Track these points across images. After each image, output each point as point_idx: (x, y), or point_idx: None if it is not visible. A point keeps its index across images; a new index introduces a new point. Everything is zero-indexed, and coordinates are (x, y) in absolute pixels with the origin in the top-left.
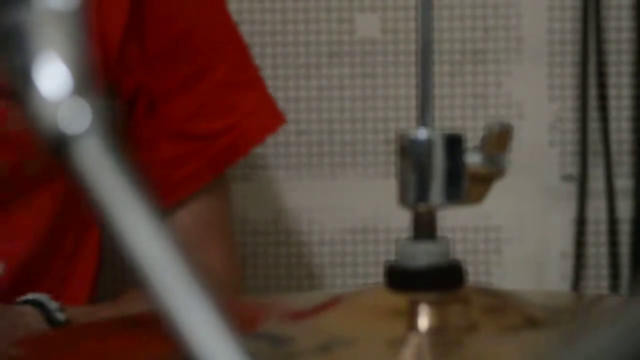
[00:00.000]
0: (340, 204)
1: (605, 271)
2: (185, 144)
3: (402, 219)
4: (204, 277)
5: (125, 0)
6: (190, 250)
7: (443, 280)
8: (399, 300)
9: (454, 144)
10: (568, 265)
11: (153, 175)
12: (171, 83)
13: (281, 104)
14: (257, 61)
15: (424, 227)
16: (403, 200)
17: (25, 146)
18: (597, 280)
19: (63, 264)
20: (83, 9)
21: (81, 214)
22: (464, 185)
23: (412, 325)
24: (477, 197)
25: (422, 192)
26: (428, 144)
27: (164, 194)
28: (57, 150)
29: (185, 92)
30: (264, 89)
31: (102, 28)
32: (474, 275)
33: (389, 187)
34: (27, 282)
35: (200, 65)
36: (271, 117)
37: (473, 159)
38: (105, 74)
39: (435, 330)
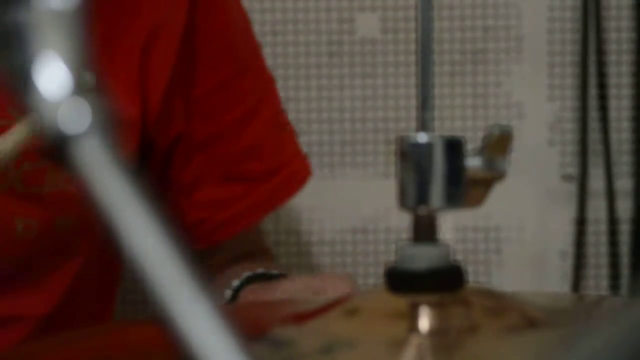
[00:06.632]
0: (340, 204)
1: (605, 271)
2: (234, 185)
3: (402, 219)
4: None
5: (172, 55)
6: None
7: (443, 282)
8: (400, 302)
9: (454, 147)
10: (568, 265)
11: (194, 217)
12: (218, 127)
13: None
14: None
15: (424, 230)
16: (403, 203)
17: (58, 205)
18: (597, 280)
19: (83, 321)
20: (83, 9)
21: (103, 275)
22: (464, 188)
23: (413, 327)
24: (476, 201)
25: (422, 195)
26: (428, 147)
27: (206, 234)
28: (57, 150)
29: (234, 135)
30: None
31: (145, 84)
32: (474, 275)
33: (389, 187)
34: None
35: (249, 108)
36: (306, 159)
37: (473, 162)
38: (143, 128)
39: (436, 332)
